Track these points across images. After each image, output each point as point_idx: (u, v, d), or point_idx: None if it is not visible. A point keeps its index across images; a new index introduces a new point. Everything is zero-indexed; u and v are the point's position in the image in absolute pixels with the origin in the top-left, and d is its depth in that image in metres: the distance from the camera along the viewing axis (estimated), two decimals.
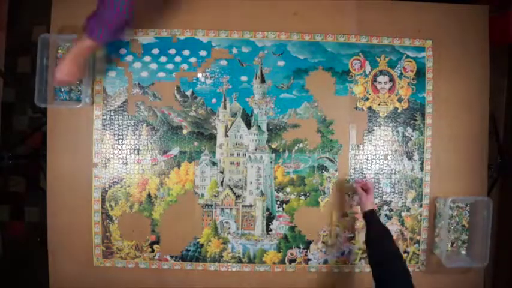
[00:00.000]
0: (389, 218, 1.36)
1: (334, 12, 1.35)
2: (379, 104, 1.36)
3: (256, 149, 1.34)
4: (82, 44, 1.10)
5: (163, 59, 1.32)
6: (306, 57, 1.34)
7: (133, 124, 1.33)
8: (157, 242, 1.33)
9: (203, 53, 1.33)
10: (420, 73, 1.36)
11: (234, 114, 1.34)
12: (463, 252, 1.36)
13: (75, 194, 1.31)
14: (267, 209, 1.34)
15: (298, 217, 1.34)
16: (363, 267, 1.35)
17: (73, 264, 1.32)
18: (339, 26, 1.35)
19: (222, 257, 1.34)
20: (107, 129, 1.32)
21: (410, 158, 1.36)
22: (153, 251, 1.33)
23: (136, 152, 1.33)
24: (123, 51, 1.32)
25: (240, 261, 1.34)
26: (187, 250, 1.34)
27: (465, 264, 1.33)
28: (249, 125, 1.34)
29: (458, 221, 1.36)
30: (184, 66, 1.33)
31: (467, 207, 1.37)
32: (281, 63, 1.34)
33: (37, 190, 1.99)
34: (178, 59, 1.32)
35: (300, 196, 1.34)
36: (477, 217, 1.34)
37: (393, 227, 1.36)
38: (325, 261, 1.35)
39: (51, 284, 1.31)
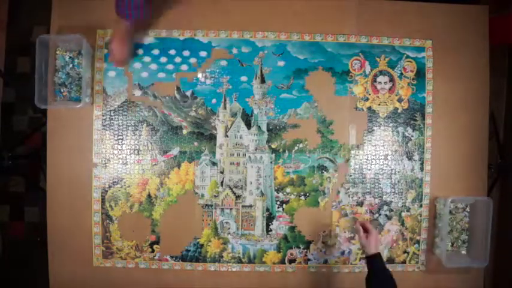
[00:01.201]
0: (389, 218, 1.36)
1: (334, 12, 1.35)
2: (379, 104, 1.36)
3: (256, 149, 1.34)
4: (120, 26, 1.20)
5: (163, 59, 1.32)
6: (306, 58, 1.34)
7: (133, 124, 1.33)
8: (157, 242, 1.33)
9: (203, 53, 1.33)
10: (420, 73, 1.36)
11: (234, 115, 1.34)
12: (463, 252, 1.36)
13: (75, 194, 1.31)
14: (267, 209, 1.34)
15: (298, 217, 1.34)
16: (363, 267, 1.35)
17: (73, 264, 1.32)
18: (339, 26, 1.35)
19: (222, 257, 1.34)
20: (107, 129, 1.32)
21: (410, 158, 1.36)
22: (153, 251, 1.33)
23: (136, 152, 1.33)
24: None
25: (240, 261, 1.34)
26: (187, 250, 1.34)
27: (465, 264, 1.33)
28: (249, 125, 1.34)
29: (458, 221, 1.36)
30: (184, 66, 1.33)
31: (467, 208, 1.37)
32: (281, 63, 1.34)
33: (37, 190, 1.99)
34: (178, 59, 1.32)
35: (300, 196, 1.34)
36: (477, 217, 1.34)
37: (393, 227, 1.36)
38: (325, 261, 1.35)
39: (51, 284, 1.32)
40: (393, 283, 1.08)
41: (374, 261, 1.12)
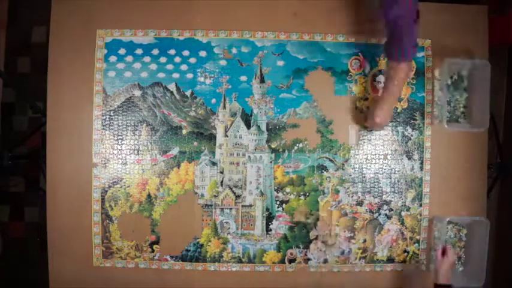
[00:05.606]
0: (389, 217, 1.36)
1: (334, 12, 1.35)
2: None
3: (255, 149, 1.34)
4: (399, 73, 1.07)
5: (163, 59, 1.32)
6: (305, 57, 1.34)
7: (133, 124, 1.33)
8: (157, 242, 1.33)
9: (203, 53, 1.33)
10: (419, 73, 1.36)
11: (233, 114, 1.34)
12: (460, 269, 1.36)
13: (75, 194, 1.31)
14: (267, 209, 1.34)
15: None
16: (363, 267, 1.35)
17: (73, 264, 1.32)
18: (338, 26, 1.35)
19: (222, 257, 1.34)
20: (106, 129, 1.32)
21: (410, 158, 1.36)
22: (153, 251, 1.33)
23: (136, 152, 1.33)
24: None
25: (240, 261, 1.34)
26: (187, 250, 1.34)
27: (462, 284, 1.31)
28: (248, 125, 1.34)
29: (455, 240, 1.36)
30: (184, 66, 1.33)
31: (465, 229, 1.37)
32: (280, 63, 1.34)
33: (37, 190, 1.99)
34: (177, 59, 1.32)
35: (299, 196, 1.34)
36: (474, 236, 1.34)
37: (393, 226, 1.36)
38: (325, 261, 1.35)
39: (51, 284, 1.32)
40: None
41: None
